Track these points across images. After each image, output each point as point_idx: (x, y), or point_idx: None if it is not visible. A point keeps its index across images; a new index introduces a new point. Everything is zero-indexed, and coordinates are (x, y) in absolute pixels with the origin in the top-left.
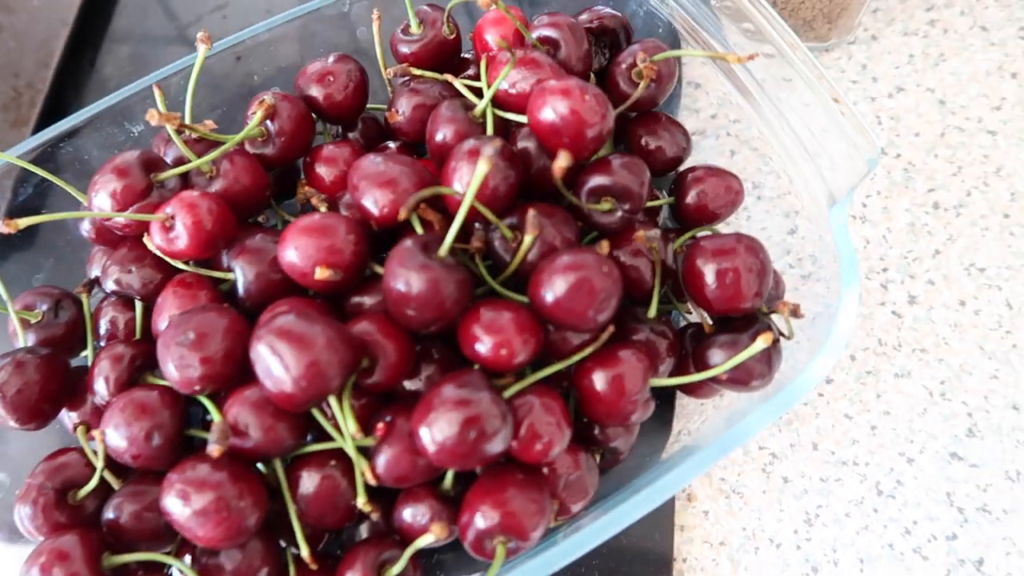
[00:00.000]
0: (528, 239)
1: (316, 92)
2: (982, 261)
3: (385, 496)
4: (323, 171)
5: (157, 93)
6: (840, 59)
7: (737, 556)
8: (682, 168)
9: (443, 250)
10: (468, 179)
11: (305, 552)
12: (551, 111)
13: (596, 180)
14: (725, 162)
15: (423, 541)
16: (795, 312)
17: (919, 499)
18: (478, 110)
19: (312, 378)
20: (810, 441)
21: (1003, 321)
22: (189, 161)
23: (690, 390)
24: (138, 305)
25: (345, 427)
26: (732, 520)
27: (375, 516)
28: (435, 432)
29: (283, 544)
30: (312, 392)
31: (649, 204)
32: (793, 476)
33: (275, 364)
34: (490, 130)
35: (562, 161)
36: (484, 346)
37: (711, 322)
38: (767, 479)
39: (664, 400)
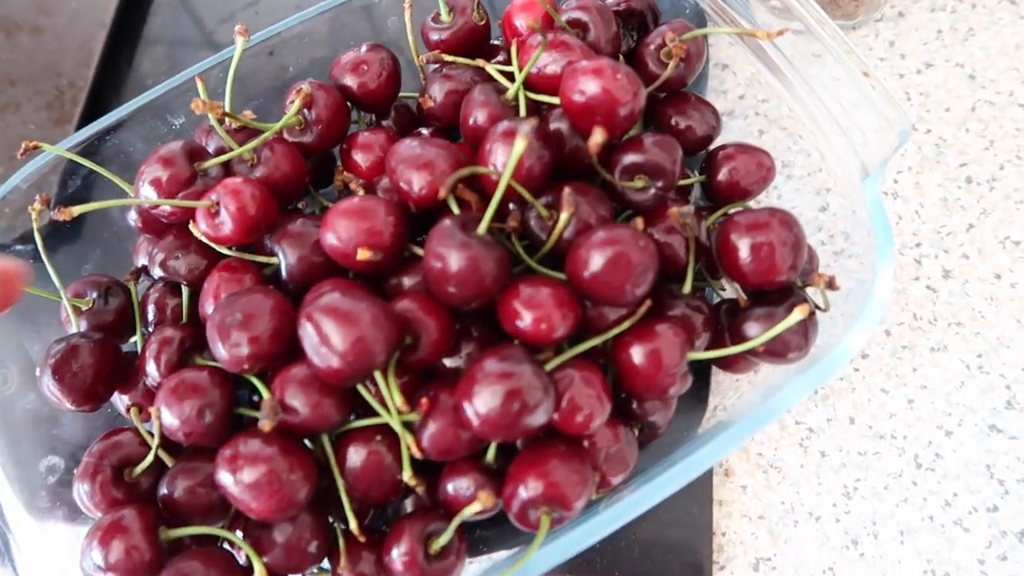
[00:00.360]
0: (564, 217)
1: (350, 81)
2: (1017, 234)
3: (429, 471)
4: (359, 157)
5: (199, 84)
6: (867, 36)
7: (776, 530)
8: (712, 147)
9: (482, 228)
10: (504, 159)
11: (353, 525)
12: (583, 91)
13: (629, 158)
14: (754, 142)
15: (470, 510)
16: (831, 284)
17: (959, 471)
18: (510, 93)
19: (359, 353)
20: (847, 415)
21: None
22: (231, 150)
23: (726, 365)
24: (184, 290)
25: (391, 402)
26: (771, 494)
27: (420, 490)
28: (479, 404)
29: (331, 520)
30: (359, 367)
31: (681, 183)
32: (831, 450)
33: (323, 340)
34: (523, 112)
35: (597, 137)
36: (524, 321)
37: (746, 297)
38: (805, 453)
39: (700, 376)
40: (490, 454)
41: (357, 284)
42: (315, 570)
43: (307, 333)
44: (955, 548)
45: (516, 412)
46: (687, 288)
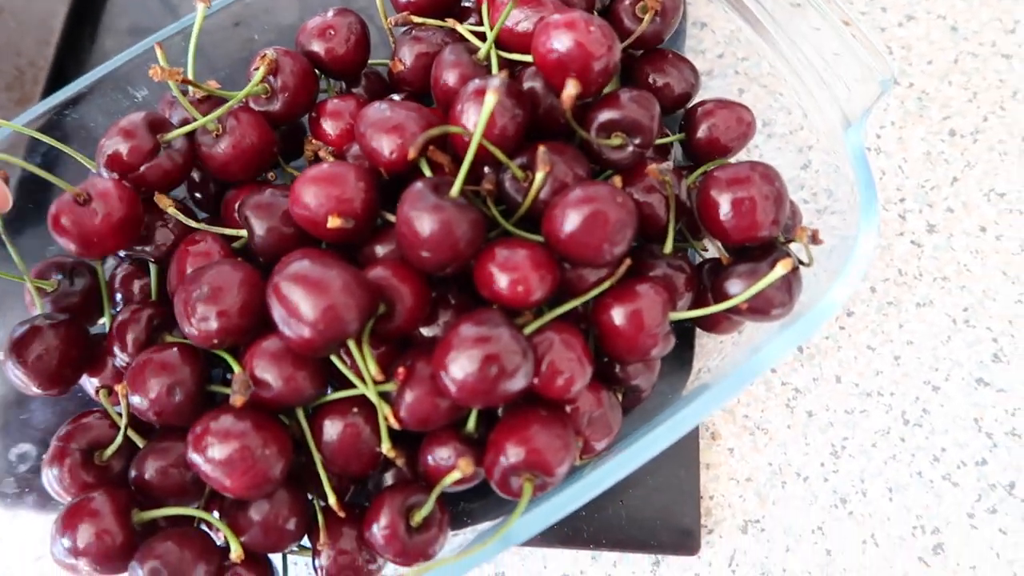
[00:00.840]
0: (540, 176)
1: (317, 47)
2: (1002, 186)
3: (409, 443)
4: (329, 125)
5: (159, 51)
6: None
7: (764, 491)
8: (690, 105)
9: (454, 190)
10: (476, 119)
11: (332, 500)
12: (556, 45)
13: (605, 115)
14: None
15: (450, 479)
16: (814, 238)
17: (946, 426)
18: (482, 52)
19: (330, 322)
20: (833, 374)
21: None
22: (195, 121)
23: (709, 325)
24: (152, 268)
25: (366, 371)
26: (758, 456)
27: (400, 462)
28: (456, 370)
29: (310, 497)
30: (330, 336)
31: (659, 141)
32: (817, 410)
33: (292, 310)
34: (495, 71)
35: (571, 89)
36: (501, 284)
37: (728, 255)
38: (791, 414)
39: (683, 339)
40: (470, 423)
41: (327, 252)
42: (295, 548)
43: (275, 303)
44: (944, 503)
45: (494, 377)
46: (668, 248)
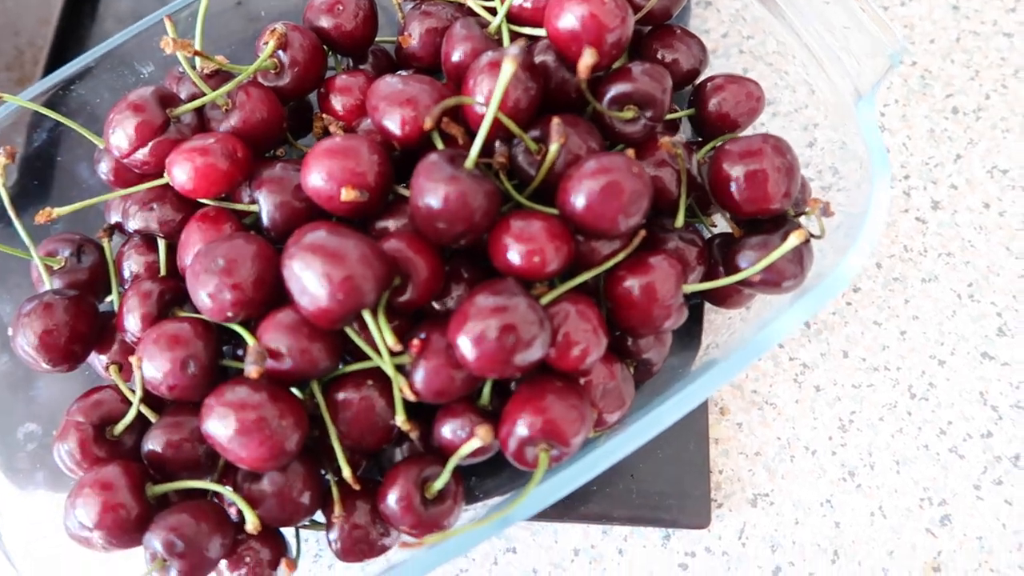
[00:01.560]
0: (554, 148)
1: (326, 23)
2: (1004, 163)
3: (423, 417)
4: (338, 101)
5: (168, 24)
6: None
7: (773, 465)
8: (699, 80)
9: (469, 161)
10: (490, 90)
11: (347, 473)
12: (570, 17)
13: (618, 88)
14: None
15: (468, 448)
16: (826, 210)
17: (952, 400)
18: (493, 26)
19: (349, 291)
20: (840, 349)
21: None
22: (204, 95)
23: (720, 299)
24: (161, 243)
25: (382, 343)
26: (766, 431)
27: (414, 435)
28: (473, 340)
29: (323, 472)
30: (349, 306)
31: (669, 116)
32: (825, 384)
33: (310, 280)
34: (507, 44)
35: (588, 59)
36: (516, 254)
37: (740, 228)
38: (799, 389)
39: (693, 315)
40: (485, 394)
41: (342, 224)
42: (307, 522)
43: (292, 274)
44: (951, 475)
45: (511, 347)
46: (679, 221)
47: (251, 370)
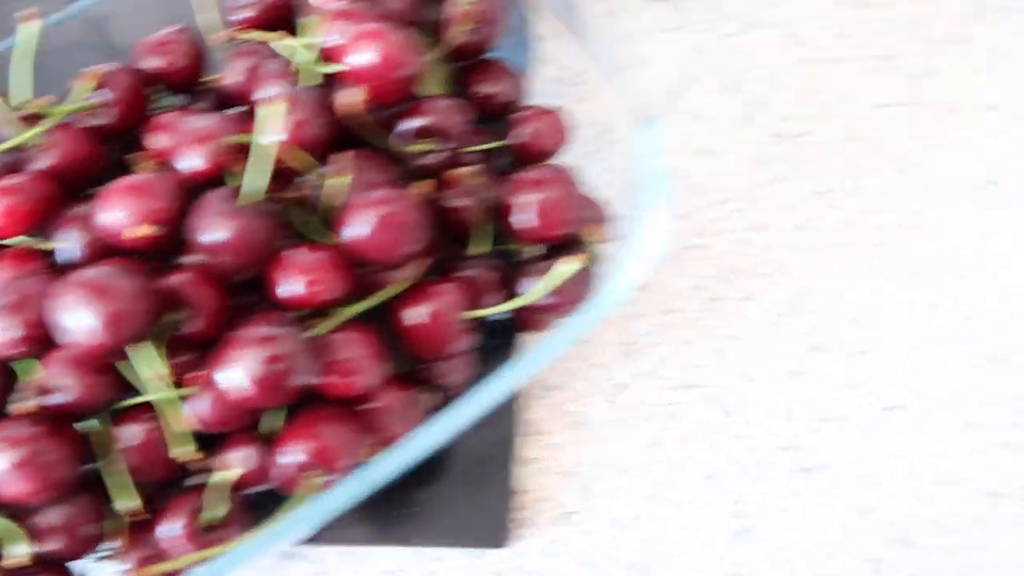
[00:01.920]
0: (337, 182)
1: (152, 62)
2: (822, 186)
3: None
4: (156, 139)
5: None
6: None
7: (587, 484)
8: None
9: (241, 197)
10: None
11: (133, 504)
12: (360, 56)
13: (416, 121)
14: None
15: (224, 477)
16: (601, 235)
17: (761, 418)
18: (296, 64)
19: (113, 326)
20: (653, 369)
21: (840, 240)
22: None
23: (520, 324)
24: None
25: (151, 377)
26: (581, 450)
27: (197, 466)
28: (232, 373)
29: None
30: (112, 343)
31: (482, 148)
32: (638, 403)
33: (71, 317)
34: (305, 82)
35: (350, 96)
36: (288, 287)
37: (537, 254)
38: (614, 408)
39: (507, 337)
40: (265, 422)
41: (121, 260)
42: (95, 557)
43: (53, 311)
44: (758, 487)
45: (273, 376)
46: (474, 249)
47: (19, 407)
